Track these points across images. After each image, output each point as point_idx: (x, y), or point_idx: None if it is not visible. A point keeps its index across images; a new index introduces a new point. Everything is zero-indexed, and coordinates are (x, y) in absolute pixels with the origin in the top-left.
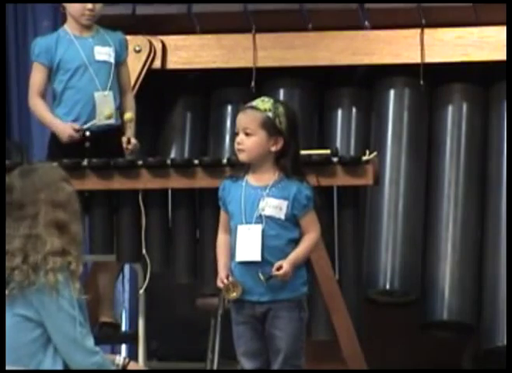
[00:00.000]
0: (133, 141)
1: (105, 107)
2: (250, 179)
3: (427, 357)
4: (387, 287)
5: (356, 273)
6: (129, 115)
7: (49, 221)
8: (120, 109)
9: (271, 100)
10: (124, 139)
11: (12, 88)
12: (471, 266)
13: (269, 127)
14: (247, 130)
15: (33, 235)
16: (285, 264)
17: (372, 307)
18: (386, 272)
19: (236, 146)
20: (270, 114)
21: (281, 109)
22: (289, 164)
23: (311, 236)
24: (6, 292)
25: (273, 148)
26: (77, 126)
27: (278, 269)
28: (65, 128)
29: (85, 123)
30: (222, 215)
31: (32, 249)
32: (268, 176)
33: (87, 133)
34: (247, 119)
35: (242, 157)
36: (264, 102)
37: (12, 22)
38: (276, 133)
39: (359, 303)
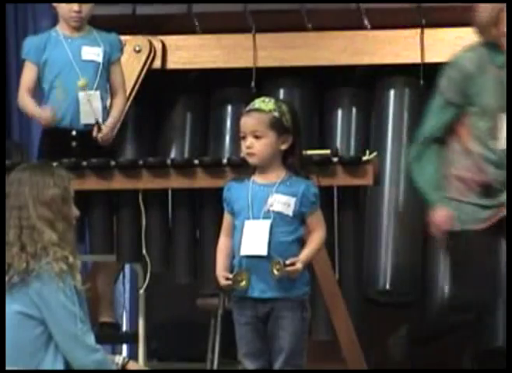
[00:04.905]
0: (104, 129)
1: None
2: (257, 178)
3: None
4: (387, 287)
5: (356, 273)
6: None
7: (39, 215)
8: (109, 109)
9: (272, 100)
10: (95, 127)
11: (12, 88)
12: None
13: (278, 126)
14: (257, 133)
15: (25, 226)
16: (299, 263)
17: (372, 307)
18: (386, 272)
19: (246, 150)
20: (276, 114)
21: (284, 108)
22: (297, 162)
23: (319, 235)
24: (6, 278)
25: (283, 147)
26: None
27: (290, 264)
28: (42, 113)
29: (71, 122)
30: (226, 218)
31: (28, 239)
32: (275, 175)
33: (73, 132)
34: (254, 121)
35: (253, 160)
36: (266, 103)
37: (12, 22)
38: (285, 132)
39: (359, 303)
